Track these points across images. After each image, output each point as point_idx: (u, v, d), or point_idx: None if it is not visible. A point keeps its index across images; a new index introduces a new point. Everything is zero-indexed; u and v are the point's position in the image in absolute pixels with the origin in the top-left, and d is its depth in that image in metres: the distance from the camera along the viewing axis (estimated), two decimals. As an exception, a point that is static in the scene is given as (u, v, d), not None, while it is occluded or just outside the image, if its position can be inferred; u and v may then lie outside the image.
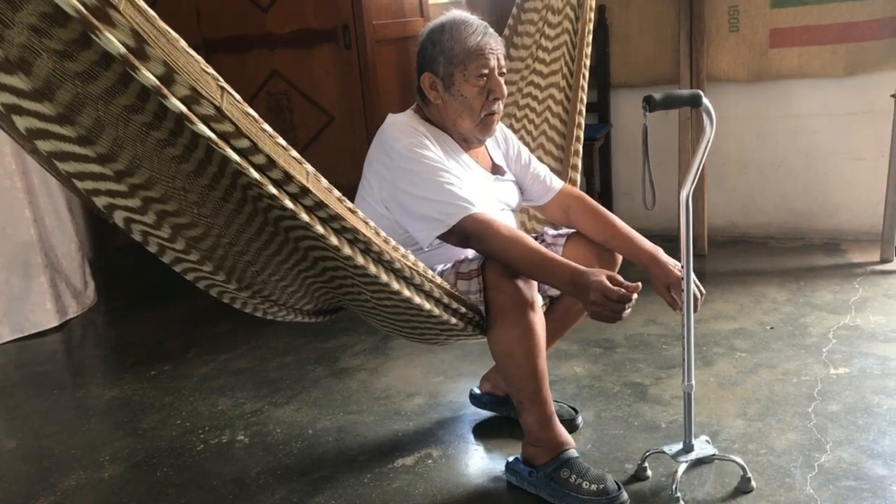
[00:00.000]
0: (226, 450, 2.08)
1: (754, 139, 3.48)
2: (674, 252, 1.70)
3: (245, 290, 1.49)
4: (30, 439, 2.24)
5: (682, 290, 1.67)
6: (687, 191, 1.62)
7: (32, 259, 3.09)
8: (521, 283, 1.62)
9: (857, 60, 3.19)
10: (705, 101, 1.57)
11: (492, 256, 1.64)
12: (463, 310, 1.61)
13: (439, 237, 1.66)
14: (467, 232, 1.62)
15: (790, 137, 3.42)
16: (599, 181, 3.65)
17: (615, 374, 2.33)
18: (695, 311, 1.69)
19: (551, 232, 1.95)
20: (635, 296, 1.49)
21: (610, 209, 3.72)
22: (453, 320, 1.60)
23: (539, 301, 1.69)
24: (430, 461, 1.94)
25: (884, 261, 3.08)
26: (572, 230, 1.92)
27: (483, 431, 2.07)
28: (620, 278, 1.52)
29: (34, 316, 3.10)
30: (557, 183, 1.96)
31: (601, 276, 1.51)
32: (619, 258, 1.88)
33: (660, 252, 1.77)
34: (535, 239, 1.93)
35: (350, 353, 2.66)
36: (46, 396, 2.53)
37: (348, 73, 3.59)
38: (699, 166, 1.61)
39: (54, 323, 3.14)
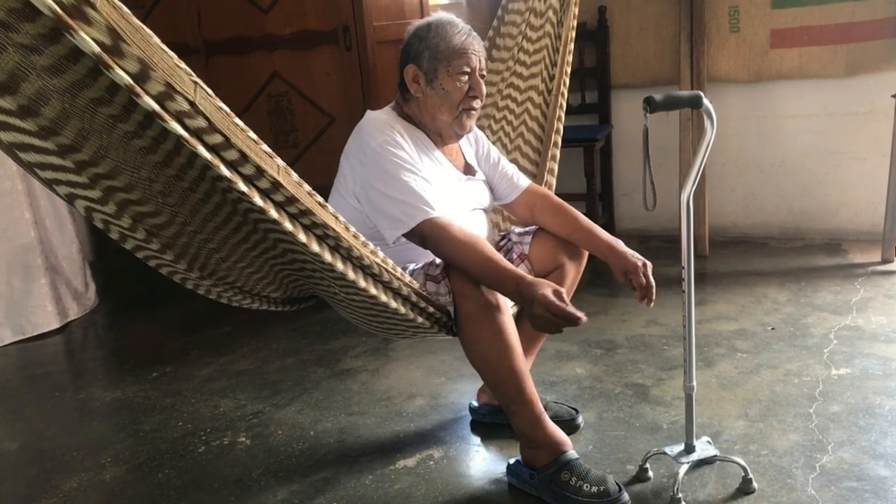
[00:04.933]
0: (227, 451, 2.08)
1: (755, 140, 3.48)
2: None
3: (208, 279, 1.51)
4: (31, 441, 2.24)
5: (640, 276, 1.71)
6: (688, 192, 1.62)
7: (33, 261, 3.10)
8: (485, 288, 1.63)
9: (858, 60, 3.19)
10: (706, 101, 1.57)
11: (446, 260, 1.67)
12: (431, 309, 1.62)
13: (404, 236, 1.69)
14: (425, 235, 1.65)
15: (791, 138, 3.42)
16: (600, 182, 3.64)
17: (616, 375, 2.32)
18: (648, 303, 1.72)
19: (517, 230, 1.98)
20: (584, 318, 1.48)
21: (611, 210, 3.74)
22: (420, 319, 1.61)
23: (507, 303, 1.69)
24: (431, 462, 1.94)
25: (885, 261, 3.08)
26: (537, 227, 1.94)
27: (484, 433, 2.07)
28: (565, 295, 1.52)
29: (35, 318, 3.10)
30: (524, 181, 1.99)
31: (547, 289, 1.50)
32: (586, 253, 1.92)
33: (618, 243, 1.80)
34: (502, 238, 1.96)
35: (351, 354, 2.66)
36: (48, 398, 2.53)
37: (349, 74, 3.59)
38: (700, 167, 1.61)
39: (55, 325, 3.14)
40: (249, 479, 1.93)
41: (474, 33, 1.79)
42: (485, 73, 1.81)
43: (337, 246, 1.37)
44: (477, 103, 1.79)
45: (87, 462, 2.08)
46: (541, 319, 1.49)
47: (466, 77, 1.75)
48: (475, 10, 3.64)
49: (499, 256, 1.62)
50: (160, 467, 2.02)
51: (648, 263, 1.75)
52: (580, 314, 1.48)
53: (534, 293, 1.50)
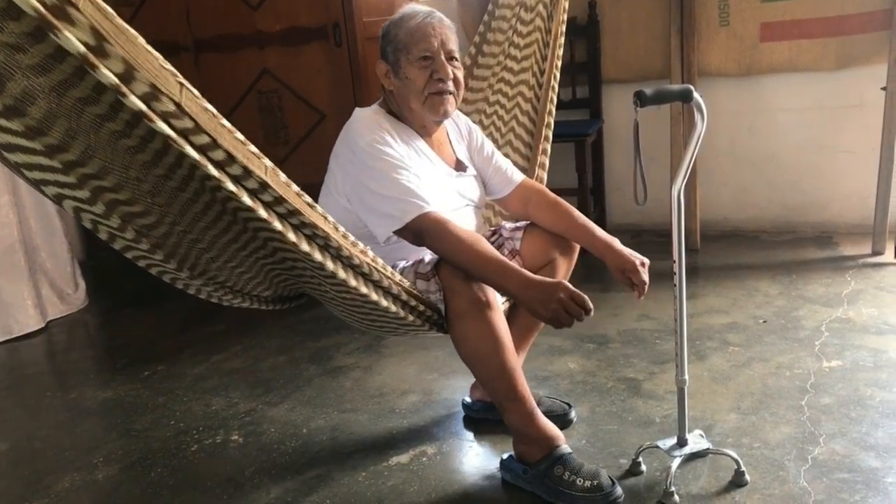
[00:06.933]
0: (220, 450, 2.07)
1: (745, 133, 3.49)
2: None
3: (198, 278, 1.50)
4: (22, 442, 2.23)
5: (640, 274, 1.72)
6: (678, 186, 1.62)
7: (18, 261, 3.08)
8: (475, 284, 1.62)
9: (848, 54, 3.19)
10: (696, 95, 1.57)
11: (444, 256, 1.64)
12: (421, 307, 1.62)
13: (396, 233, 1.67)
14: (421, 230, 1.63)
15: (781, 131, 3.43)
16: (591, 177, 3.65)
17: (609, 369, 2.33)
18: (640, 296, 1.74)
19: (509, 226, 1.97)
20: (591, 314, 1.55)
21: (602, 205, 3.75)
22: (411, 317, 1.60)
23: (497, 299, 1.69)
24: (424, 459, 1.94)
25: (875, 253, 3.09)
26: (528, 222, 1.94)
27: (477, 428, 2.07)
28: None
29: (23, 318, 3.09)
30: (518, 176, 1.98)
31: (564, 283, 1.54)
32: (577, 247, 1.91)
33: (615, 242, 1.80)
34: (493, 233, 1.95)
35: (343, 351, 2.66)
36: (38, 398, 2.52)
37: (339, 70, 3.58)
38: (690, 161, 1.61)
39: (43, 324, 3.13)
40: (242, 478, 1.92)
41: (437, 15, 1.77)
42: (455, 54, 1.78)
43: (326, 245, 1.37)
44: (444, 85, 1.75)
45: (79, 462, 2.07)
46: (558, 310, 1.51)
47: (428, 61, 1.73)
48: (466, 6, 3.63)
49: (499, 254, 1.62)
50: (153, 466, 2.01)
51: (646, 261, 1.75)
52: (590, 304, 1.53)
53: (550, 286, 1.52)
